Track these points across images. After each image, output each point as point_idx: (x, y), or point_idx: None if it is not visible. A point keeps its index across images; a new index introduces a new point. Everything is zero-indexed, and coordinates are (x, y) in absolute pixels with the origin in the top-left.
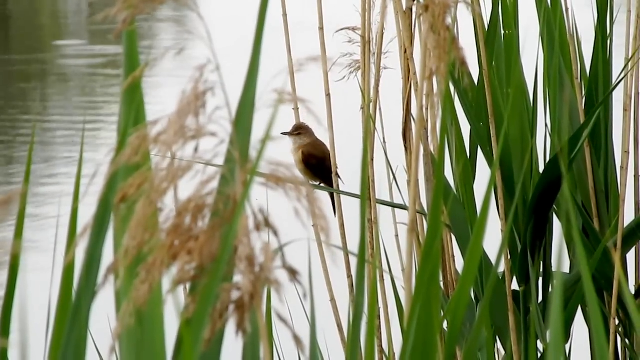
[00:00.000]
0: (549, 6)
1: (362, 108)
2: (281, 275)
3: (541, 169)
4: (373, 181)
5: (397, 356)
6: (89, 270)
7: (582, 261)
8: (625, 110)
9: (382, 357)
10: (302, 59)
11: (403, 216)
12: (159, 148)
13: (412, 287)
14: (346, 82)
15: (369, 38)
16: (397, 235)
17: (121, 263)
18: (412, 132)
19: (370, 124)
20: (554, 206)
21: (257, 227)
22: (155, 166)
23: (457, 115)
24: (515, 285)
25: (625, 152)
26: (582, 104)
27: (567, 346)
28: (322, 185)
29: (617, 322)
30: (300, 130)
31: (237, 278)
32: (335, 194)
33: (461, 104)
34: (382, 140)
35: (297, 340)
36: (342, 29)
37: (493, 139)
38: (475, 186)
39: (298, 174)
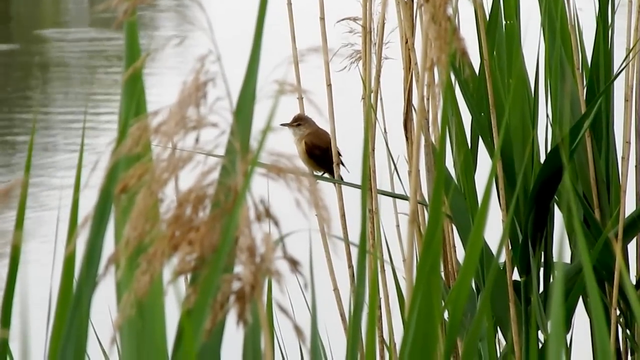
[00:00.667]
0: None
1: (363, 98)
2: (282, 265)
3: (542, 159)
4: (374, 171)
5: (397, 346)
6: (90, 261)
7: (583, 252)
8: (626, 100)
9: (383, 348)
10: (303, 49)
11: (404, 206)
12: (159, 139)
13: (413, 277)
14: (347, 73)
15: (370, 28)
16: (398, 226)
17: (122, 254)
18: (413, 122)
19: (371, 115)
20: (555, 197)
21: (258, 218)
22: (156, 157)
23: (458, 106)
24: (516, 276)
25: (627, 143)
26: (583, 94)
27: (568, 337)
28: (325, 175)
29: (618, 312)
30: (299, 121)
31: (238, 269)
32: (336, 184)
33: (462, 94)
34: (383, 131)
35: (298, 330)
36: (343, 19)
37: (494, 130)
38: (476, 176)
39: (299, 164)
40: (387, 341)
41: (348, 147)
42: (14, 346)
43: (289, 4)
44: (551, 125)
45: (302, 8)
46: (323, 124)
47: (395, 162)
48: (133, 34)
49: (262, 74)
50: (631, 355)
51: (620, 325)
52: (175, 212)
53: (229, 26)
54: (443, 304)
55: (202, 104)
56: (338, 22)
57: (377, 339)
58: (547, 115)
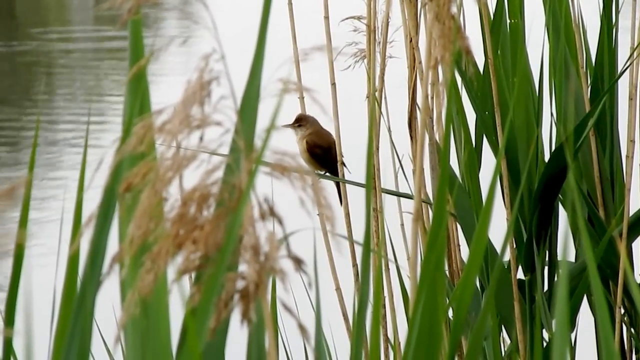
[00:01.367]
0: None
1: (367, 97)
2: (286, 264)
3: (547, 158)
4: (378, 170)
5: (402, 345)
6: (94, 260)
7: (588, 250)
8: (630, 99)
9: (387, 346)
10: (307, 48)
11: (408, 205)
12: (164, 137)
13: (418, 276)
14: (352, 71)
15: (375, 27)
16: (402, 224)
17: (126, 252)
18: (417, 121)
19: (375, 113)
20: (560, 195)
21: (262, 217)
22: (160, 155)
23: (462, 104)
24: (520, 274)
25: (631, 141)
26: (587, 93)
27: (573, 335)
28: (327, 174)
29: (622, 311)
30: (300, 121)
31: (242, 267)
32: (340, 183)
33: (466, 92)
34: (388, 129)
35: (302, 329)
36: (347, 18)
37: (498, 128)
38: (480, 175)
39: (303, 163)
40: (392, 339)
41: (352, 145)
42: (18, 345)
43: (290, 3)
44: (555, 124)
45: (307, 7)
46: (327, 122)
47: (400, 160)
48: (137, 32)
49: (266, 73)
50: (636, 353)
51: (624, 324)
52: (179, 211)
53: (232, 24)
54: (447, 302)
55: (207, 102)
56: (342, 21)
57: (382, 338)
58: (552, 114)
